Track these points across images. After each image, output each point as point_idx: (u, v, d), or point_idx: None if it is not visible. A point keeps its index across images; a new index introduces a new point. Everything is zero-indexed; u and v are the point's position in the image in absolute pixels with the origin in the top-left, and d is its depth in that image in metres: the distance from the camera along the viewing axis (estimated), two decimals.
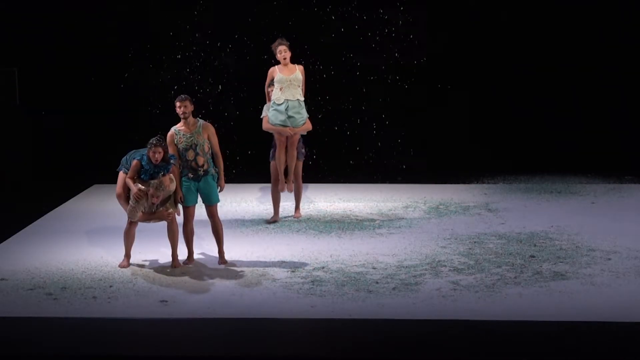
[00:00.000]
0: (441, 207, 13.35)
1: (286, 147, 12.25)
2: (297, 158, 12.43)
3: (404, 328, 8.66)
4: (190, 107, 10.50)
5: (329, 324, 8.77)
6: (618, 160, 15.65)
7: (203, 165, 10.51)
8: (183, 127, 10.51)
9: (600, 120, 15.87)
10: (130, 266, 10.47)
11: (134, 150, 10.54)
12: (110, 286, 9.81)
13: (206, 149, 10.52)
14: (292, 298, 9.43)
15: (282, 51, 12.07)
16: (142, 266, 10.53)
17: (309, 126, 12.30)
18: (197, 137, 10.47)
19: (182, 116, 10.48)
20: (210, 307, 9.19)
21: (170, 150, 10.40)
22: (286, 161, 12.28)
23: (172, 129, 10.54)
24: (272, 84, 12.19)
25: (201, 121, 10.58)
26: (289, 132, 12.10)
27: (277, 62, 12.23)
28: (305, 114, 12.21)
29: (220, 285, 9.90)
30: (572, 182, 14.87)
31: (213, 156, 10.62)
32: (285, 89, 12.07)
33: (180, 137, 10.47)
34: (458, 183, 15.02)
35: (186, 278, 10.13)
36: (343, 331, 8.61)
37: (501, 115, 15.98)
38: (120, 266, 10.46)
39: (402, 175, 15.50)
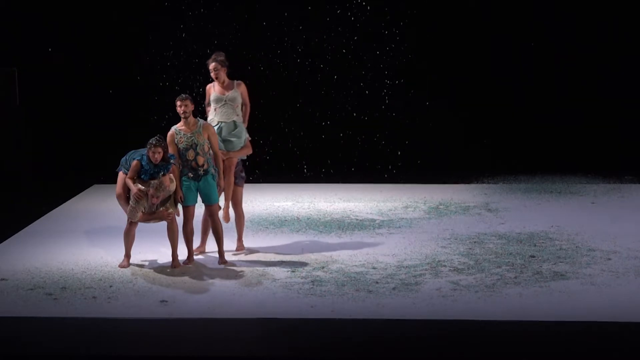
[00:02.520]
0: (441, 207, 13.35)
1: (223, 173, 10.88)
2: (236, 183, 11.04)
3: (404, 328, 8.65)
4: (191, 107, 10.49)
5: (329, 324, 8.77)
6: (618, 160, 15.65)
7: (203, 165, 10.51)
8: (183, 127, 10.50)
9: (600, 120, 15.86)
10: (130, 266, 10.46)
11: (133, 151, 10.53)
12: (110, 286, 9.81)
13: (206, 148, 10.51)
14: (292, 298, 9.43)
15: (212, 70, 10.96)
16: (142, 266, 10.53)
17: (249, 150, 11.07)
18: (197, 137, 10.46)
19: (182, 115, 10.45)
20: (210, 307, 9.19)
21: (170, 150, 10.39)
22: (222, 188, 10.88)
23: (173, 129, 10.53)
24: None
25: (201, 121, 10.57)
26: (222, 156, 10.78)
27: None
28: (244, 136, 11.02)
29: (220, 285, 9.89)
30: (572, 182, 14.87)
31: (212, 155, 10.61)
32: (219, 110, 10.96)
33: (180, 137, 10.46)
34: (458, 183, 15.02)
35: (186, 278, 10.13)
36: (343, 331, 8.61)
37: (501, 115, 15.97)
38: (120, 266, 10.45)
39: (402, 176, 15.50)
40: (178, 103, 10.46)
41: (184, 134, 10.45)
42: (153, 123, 14.82)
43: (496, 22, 15.84)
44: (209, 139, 10.52)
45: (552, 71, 15.86)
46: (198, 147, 10.46)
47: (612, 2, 15.69)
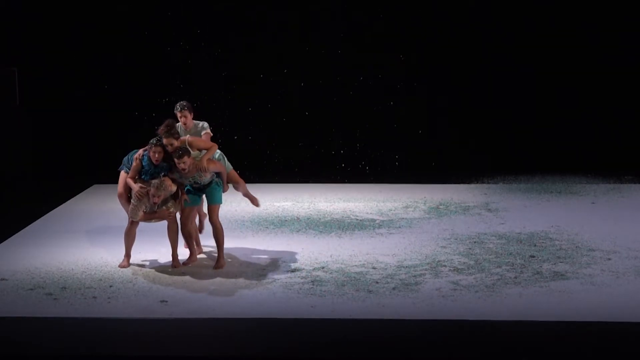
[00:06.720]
0: (441, 207, 13.35)
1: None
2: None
3: (404, 328, 8.66)
4: (190, 160, 10.13)
5: (329, 324, 8.77)
6: (618, 160, 15.65)
7: (206, 182, 10.38)
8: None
9: (600, 120, 15.87)
10: (130, 266, 10.46)
11: (135, 150, 10.52)
12: (110, 286, 9.81)
13: (208, 176, 10.34)
14: (292, 298, 9.43)
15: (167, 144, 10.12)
16: (142, 266, 10.53)
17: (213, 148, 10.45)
18: (198, 177, 10.20)
19: (183, 171, 10.20)
20: (210, 307, 9.19)
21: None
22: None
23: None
24: None
25: (197, 163, 10.24)
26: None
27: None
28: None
29: (220, 285, 9.89)
30: (572, 182, 14.88)
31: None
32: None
33: (184, 180, 10.28)
34: (458, 183, 15.02)
35: (186, 278, 10.13)
36: (343, 331, 8.61)
37: (501, 115, 15.98)
38: (120, 266, 10.45)
39: (402, 176, 15.50)
40: (176, 161, 10.08)
41: (185, 178, 10.28)
42: (153, 123, 14.82)
43: (496, 22, 15.84)
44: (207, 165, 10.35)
45: (552, 71, 15.85)
46: (202, 182, 10.33)
47: (613, 3, 15.69)
